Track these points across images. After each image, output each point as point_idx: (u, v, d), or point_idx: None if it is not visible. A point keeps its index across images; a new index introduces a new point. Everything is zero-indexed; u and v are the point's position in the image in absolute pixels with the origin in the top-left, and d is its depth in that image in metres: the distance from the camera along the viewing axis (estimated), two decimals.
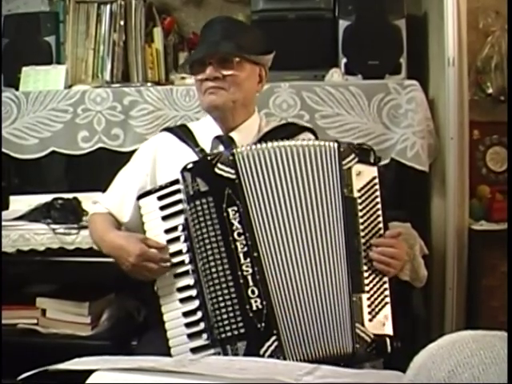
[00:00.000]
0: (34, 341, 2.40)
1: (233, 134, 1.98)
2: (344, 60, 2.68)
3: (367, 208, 1.72)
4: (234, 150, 1.71)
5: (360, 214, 1.71)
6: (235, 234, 1.65)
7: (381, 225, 1.73)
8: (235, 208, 1.66)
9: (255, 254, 1.65)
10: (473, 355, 0.96)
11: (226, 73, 1.92)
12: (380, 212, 1.73)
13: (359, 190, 1.71)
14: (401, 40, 2.66)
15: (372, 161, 1.75)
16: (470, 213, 2.56)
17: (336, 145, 1.74)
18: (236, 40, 1.94)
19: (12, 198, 2.73)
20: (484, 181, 2.85)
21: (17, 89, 2.79)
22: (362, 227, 1.71)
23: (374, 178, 1.74)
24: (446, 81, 2.49)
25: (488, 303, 2.52)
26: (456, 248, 2.50)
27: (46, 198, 2.56)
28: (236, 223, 1.65)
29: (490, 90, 2.85)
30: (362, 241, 1.71)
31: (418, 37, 2.80)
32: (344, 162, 1.72)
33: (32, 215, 2.50)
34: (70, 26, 2.90)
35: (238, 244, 1.65)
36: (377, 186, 1.73)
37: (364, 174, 1.73)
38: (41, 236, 2.39)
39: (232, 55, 1.92)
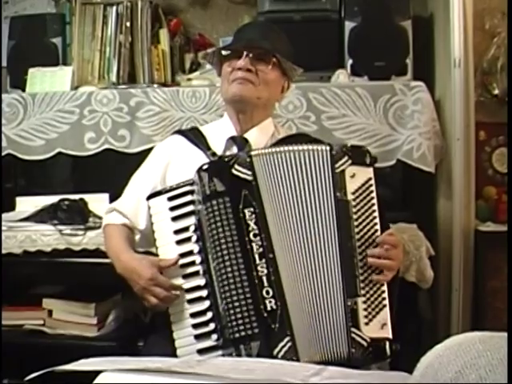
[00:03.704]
0: (41, 342, 2.41)
1: (248, 135, 1.99)
2: (350, 61, 2.67)
3: (362, 210, 1.70)
4: (252, 152, 1.72)
5: (355, 216, 1.69)
6: (251, 235, 1.65)
7: (377, 226, 1.71)
8: (251, 209, 1.66)
9: (270, 255, 1.65)
10: (480, 356, 0.96)
11: (260, 68, 1.93)
12: (376, 213, 1.71)
13: (353, 193, 1.70)
14: (407, 41, 2.65)
15: (367, 162, 1.73)
16: (476, 214, 2.55)
17: (328, 148, 1.73)
18: (275, 44, 1.97)
19: (18, 199, 2.74)
20: (490, 182, 2.85)
21: (23, 90, 2.80)
22: (357, 230, 1.69)
23: (370, 179, 1.72)
24: (452, 82, 2.48)
25: (494, 305, 2.51)
26: (462, 249, 2.49)
27: (52, 199, 2.57)
28: (252, 224, 1.65)
29: (496, 91, 2.84)
30: (357, 244, 1.69)
31: (424, 38, 2.80)
32: (337, 165, 1.71)
33: (38, 216, 2.51)
34: (77, 28, 2.91)
35: (253, 245, 1.65)
36: (372, 188, 1.72)
37: (358, 176, 1.71)
38: (47, 237, 2.40)
39: (271, 55, 1.94)
